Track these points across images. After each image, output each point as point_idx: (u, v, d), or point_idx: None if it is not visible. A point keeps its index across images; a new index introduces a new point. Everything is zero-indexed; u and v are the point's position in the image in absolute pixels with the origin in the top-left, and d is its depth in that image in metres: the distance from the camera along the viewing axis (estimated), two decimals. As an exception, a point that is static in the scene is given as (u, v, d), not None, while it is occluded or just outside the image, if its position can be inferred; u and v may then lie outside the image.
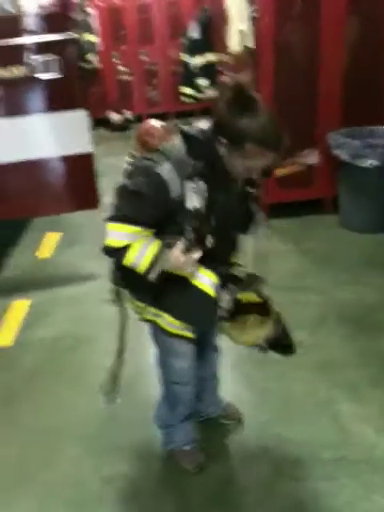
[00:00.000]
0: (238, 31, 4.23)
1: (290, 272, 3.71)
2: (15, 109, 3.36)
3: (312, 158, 4.28)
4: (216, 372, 2.31)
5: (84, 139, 3.42)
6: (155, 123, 2.00)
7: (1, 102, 3.31)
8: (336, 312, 3.18)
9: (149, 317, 1.88)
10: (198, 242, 1.66)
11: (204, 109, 8.04)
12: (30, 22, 3.24)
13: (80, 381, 2.80)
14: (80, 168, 3.52)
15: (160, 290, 1.74)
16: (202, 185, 1.61)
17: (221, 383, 2.39)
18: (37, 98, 3.35)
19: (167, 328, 1.87)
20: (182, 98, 7.01)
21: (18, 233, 4.74)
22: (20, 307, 3.53)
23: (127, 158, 1.76)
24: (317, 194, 4.63)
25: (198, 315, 1.84)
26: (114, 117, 8.95)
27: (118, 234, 1.65)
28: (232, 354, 2.85)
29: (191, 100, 6.89)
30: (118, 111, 8.97)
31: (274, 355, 2.82)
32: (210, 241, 1.69)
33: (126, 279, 1.82)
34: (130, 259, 1.67)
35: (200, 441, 2.27)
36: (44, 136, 3.40)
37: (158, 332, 1.91)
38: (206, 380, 2.26)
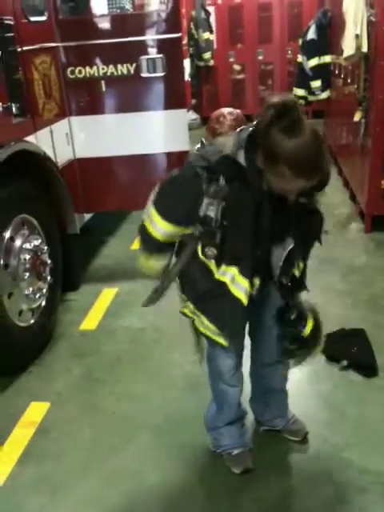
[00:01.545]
0: (354, 35, 4.05)
1: (387, 290, 3.52)
2: (121, 106, 3.51)
3: None
4: (283, 385, 2.25)
5: (183, 137, 3.49)
6: (227, 112, 1.99)
7: (109, 98, 3.47)
8: None
9: (188, 312, 1.93)
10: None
11: (315, 111, 7.84)
12: (140, 20, 3.35)
13: (156, 373, 2.86)
14: (178, 166, 3.58)
15: (201, 290, 1.83)
16: (218, 202, 1.64)
17: (295, 398, 2.33)
18: (141, 96, 3.47)
19: (201, 329, 1.92)
20: (294, 100, 6.87)
21: (116, 224, 4.93)
22: (108, 295, 3.68)
23: (197, 146, 1.81)
24: None
25: (227, 320, 1.85)
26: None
27: (155, 224, 1.78)
28: (310, 371, 2.77)
29: (302, 102, 6.73)
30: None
31: (355, 376, 2.71)
32: (213, 252, 1.72)
33: (177, 270, 1.89)
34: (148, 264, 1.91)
35: (251, 445, 2.25)
36: (146, 133, 3.51)
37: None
38: (273, 391, 2.24)
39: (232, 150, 1.61)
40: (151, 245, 1.86)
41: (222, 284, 1.78)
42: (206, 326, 1.90)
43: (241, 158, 1.60)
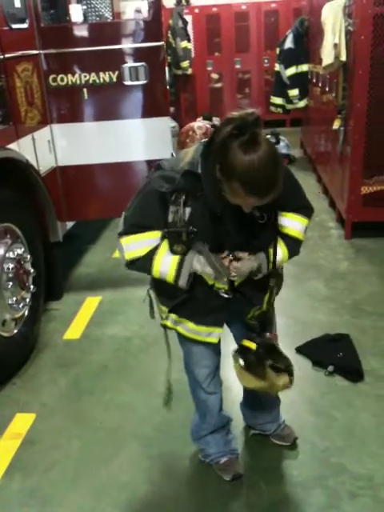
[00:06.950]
0: (333, 44, 4.11)
1: (370, 295, 3.56)
2: (104, 113, 3.49)
3: None
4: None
5: (166, 145, 3.50)
6: (196, 126, 1.98)
7: (91, 106, 3.46)
8: (415, 342, 3.01)
9: (169, 323, 1.93)
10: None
11: (292, 119, 7.91)
12: (122, 28, 3.35)
13: (143, 382, 2.84)
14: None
15: (180, 297, 1.83)
16: (182, 209, 1.66)
17: (282, 403, 2.33)
18: (124, 104, 3.47)
19: (188, 335, 1.93)
20: (271, 108, 6.95)
21: (98, 232, 4.90)
22: (92, 303, 3.65)
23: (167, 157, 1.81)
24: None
25: (214, 314, 1.87)
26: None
27: (134, 244, 1.74)
28: (297, 376, 2.77)
29: (280, 110, 6.82)
30: (209, 118, 9.05)
31: (341, 381, 2.73)
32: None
33: (154, 282, 1.92)
34: (156, 271, 1.75)
35: (238, 452, 2.25)
36: (129, 140, 3.51)
37: (181, 338, 1.99)
38: (267, 396, 2.22)
39: (193, 163, 1.62)
40: (144, 265, 1.79)
41: (203, 283, 1.79)
42: (193, 331, 1.91)
43: (200, 170, 1.61)
